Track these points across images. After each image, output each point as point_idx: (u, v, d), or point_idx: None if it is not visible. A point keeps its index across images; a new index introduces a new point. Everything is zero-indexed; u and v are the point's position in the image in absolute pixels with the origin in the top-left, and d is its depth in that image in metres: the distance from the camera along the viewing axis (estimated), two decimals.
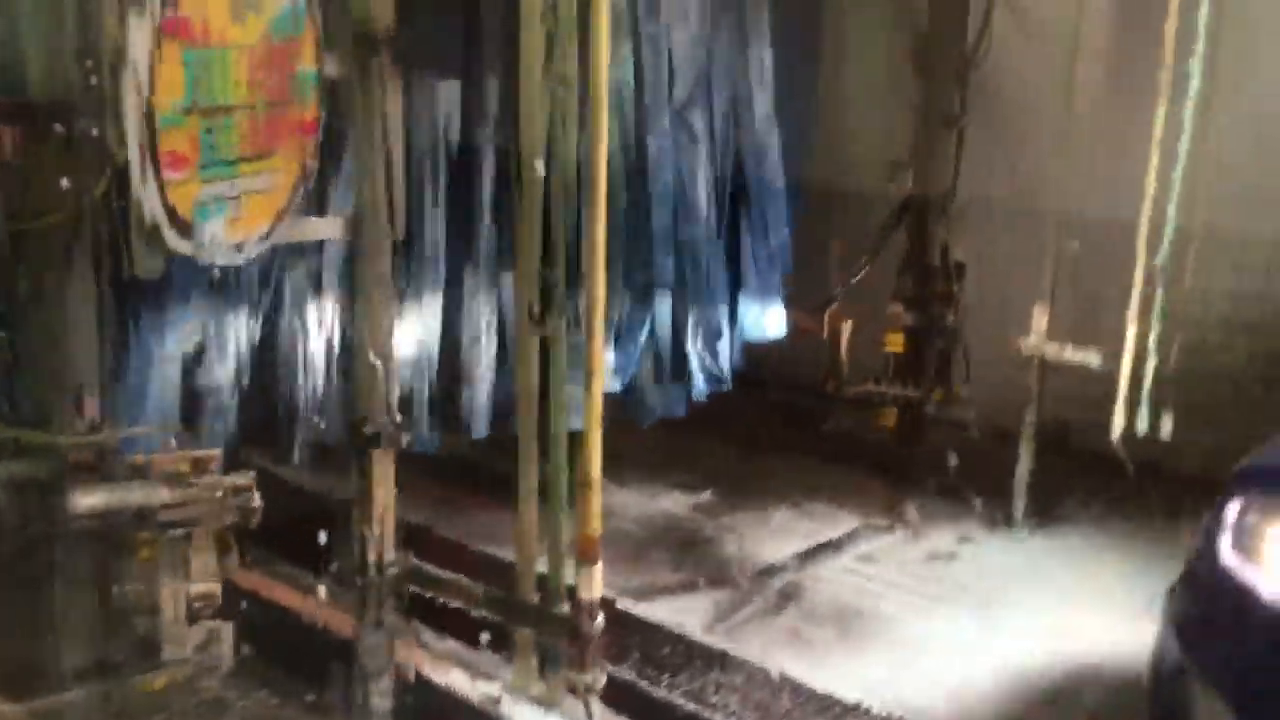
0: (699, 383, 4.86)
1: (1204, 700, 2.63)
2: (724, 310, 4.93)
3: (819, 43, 5.67)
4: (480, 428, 4.44)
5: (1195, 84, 4.22)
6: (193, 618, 3.43)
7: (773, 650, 3.90)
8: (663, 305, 4.77)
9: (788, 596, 4.31)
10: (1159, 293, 4.36)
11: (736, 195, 4.93)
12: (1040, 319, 4.60)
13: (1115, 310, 4.43)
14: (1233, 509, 2.69)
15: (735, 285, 4.98)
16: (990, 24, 4.94)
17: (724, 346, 4.93)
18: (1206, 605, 2.74)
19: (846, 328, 5.10)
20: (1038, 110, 4.78)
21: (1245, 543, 2.62)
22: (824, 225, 5.76)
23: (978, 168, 5.08)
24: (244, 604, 3.63)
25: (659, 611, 4.10)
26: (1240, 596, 2.58)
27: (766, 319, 5.08)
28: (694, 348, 4.85)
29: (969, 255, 5.08)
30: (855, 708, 3.53)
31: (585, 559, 3.03)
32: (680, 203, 4.72)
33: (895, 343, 5.14)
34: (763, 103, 4.90)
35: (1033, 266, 4.63)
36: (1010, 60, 5.04)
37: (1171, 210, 4.35)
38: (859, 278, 5.16)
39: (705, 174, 4.75)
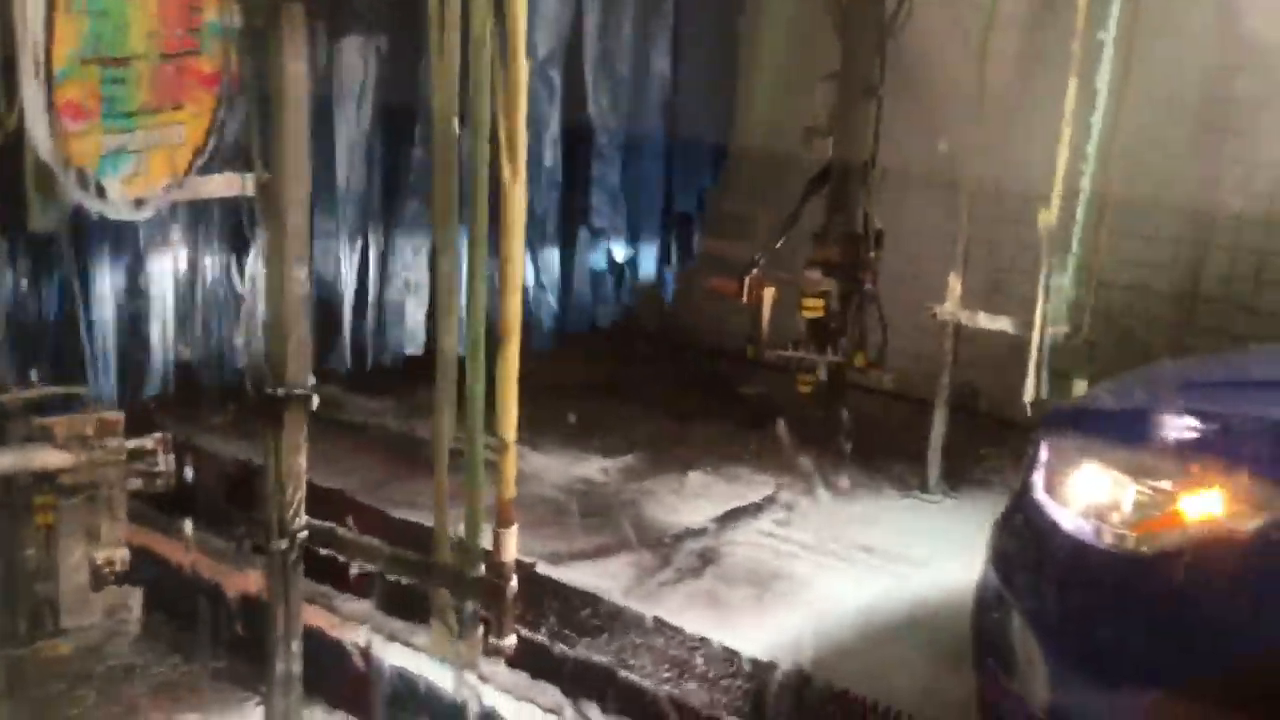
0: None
1: (1018, 628, 2.77)
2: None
3: (739, 7, 5.67)
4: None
5: (1109, 53, 4.28)
6: (99, 583, 3.35)
7: (690, 612, 3.92)
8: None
9: (706, 559, 4.34)
10: (1070, 261, 4.44)
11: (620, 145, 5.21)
12: (955, 286, 4.65)
13: (1029, 278, 4.50)
14: (1043, 450, 2.83)
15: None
16: None
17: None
18: (1019, 540, 2.89)
19: (768, 294, 5.12)
20: (955, 79, 4.81)
21: (1051, 481, 2.76)
22: (745, 192, 5.79)
23: (897, 136, 5.12)
24: (153, 568, 3.57)
25: (578, 575, 4.10)
26: (1046, 530, 2.73)
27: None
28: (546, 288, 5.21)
29: (887, 223, 5.12)
30: (767, 665, 3.57)
31: (501, 522, 3.02)
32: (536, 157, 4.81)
33: (814, 308, 5.16)
34: (637, 62, 5.18)
35: (949, 235, 4.67)
36: (929, 28, 5.07)
37: (1086, 180, 4.42)
38: (779, 244, 5.18)
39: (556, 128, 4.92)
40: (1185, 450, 2.61)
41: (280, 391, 3.13)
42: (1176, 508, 2.51)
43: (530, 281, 5.03)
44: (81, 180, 2.83)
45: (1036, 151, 4.48)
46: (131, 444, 3.29)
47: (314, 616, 3.38)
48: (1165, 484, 2.53)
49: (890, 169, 5.12)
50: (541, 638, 3.72)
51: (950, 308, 4.69)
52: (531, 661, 3.51)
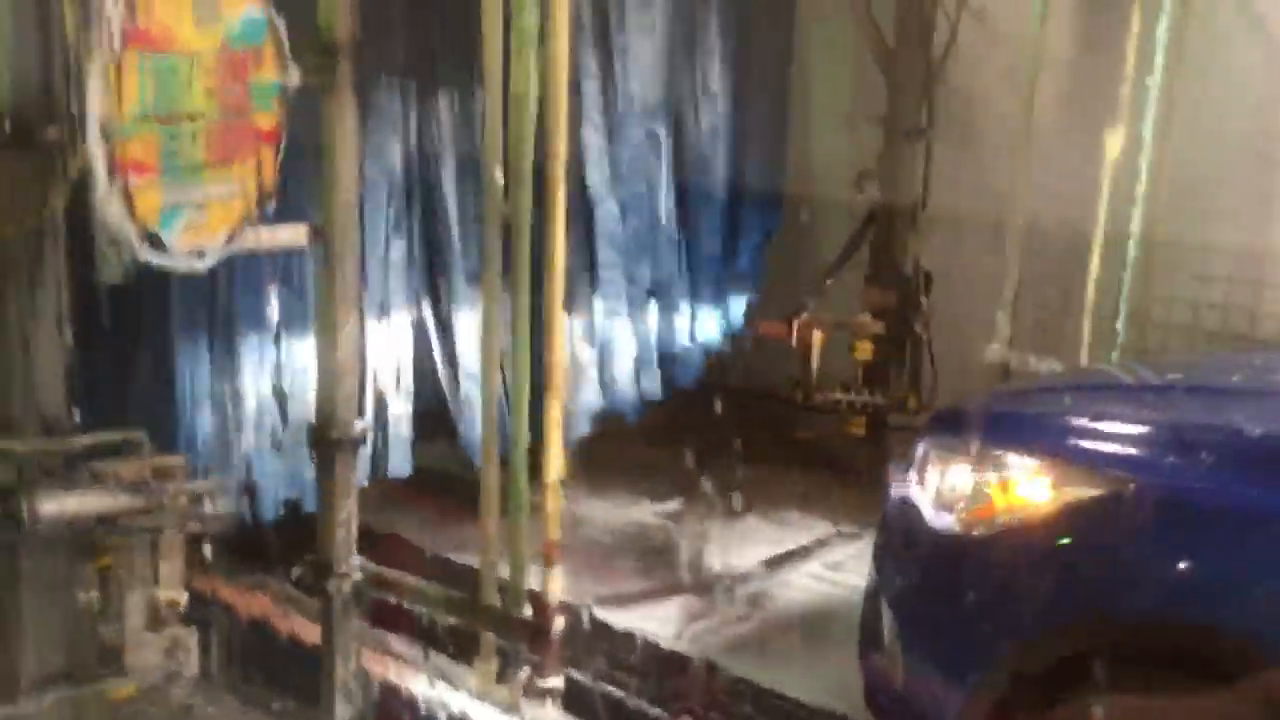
0: (655, 386, 5.09)
1: (882, 612, 2.98)
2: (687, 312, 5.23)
3: (788, 55, 5.74)
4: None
5: (1155, 94, 4.28)
6: (158, 624, 3.44)
7: (740, 655, 3.92)
8: (637, 310, 4.95)
9: (756, 603, 4.34)
10: (1121, 303, 4.42)
11: (687, 203, 5.13)
12: (1003, 328, 4.64)
13: (1078, 320, 4.48)
14: (919, 448, 3.01)
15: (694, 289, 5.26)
16: (956, 36, 5.00)
17: (680, 350, 5.19)
18: (888, 531, 3.09)
19: (816, 336, 5.14)
20: (1002, 122, 4.83)
21: (920, 475, 2.94)
22: (794, 235, 5.82)
23: (944, 178, 5.13)
24: (210, 611, 3.65)
25: (627, 619, 4.12)
26: (908, 520, 2.93)
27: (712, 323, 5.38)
28: (652, 350, 5.05)
29: (935, 265, 5.12)
30: (818, 710, 3.56)
31: (547, 563, 3.06)
32: (650, 210, 4.80)
33: (864, 350, 5.17)
34: (710, 114, 5.10)
35: (997, 277, 4.67)
36: (975, 72, 5.10)
37: (1135, 220, 4.42)
38: (828, 287, 5.20)
39: (667, 181, 4.84)
40: (1013, 444, 2.79)
41: (333, 435, 3.21)
42: (1000, 494, 2.73)
43: (594, 353, 4.94)
44: (144, 233, 2.94)
45: (1084, 192, 4.48)
46: (189, 487, 3.39)
47: (367, 658, 3.43)
48: (993, 474, 2.74)
49: (938, 211, 5.14)
50: (589, 680, 3.74)
51: (999, 349, 4.68)
52: (579, 703, 3.54)
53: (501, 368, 3.29)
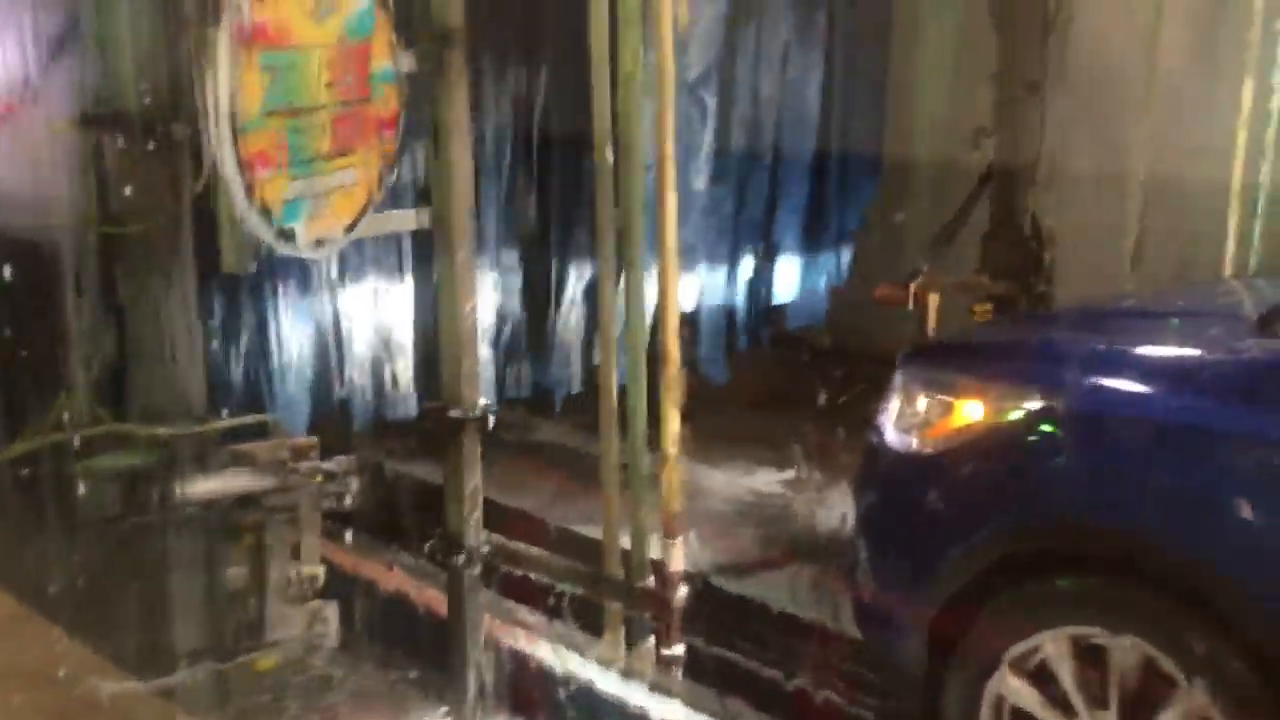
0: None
1: (858, 536, 3.17)
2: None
3: (891, 11, 5.65)
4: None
5: None
6: (299, 598, 3.58)
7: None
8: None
9: None
10: (1251, 255, 4.27)
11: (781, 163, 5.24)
12: (1126, 283, 4.53)
13: (1207, 275, 4.34)
14: (895, 379, 3.12)
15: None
16: None
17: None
18: (866, 462, 3.21)
19: (933, 299, 5.07)
20: (1122, 71, 4.68)
21: (888, 404, 3.07)
22: (904, 196, 5.74)
23: (1063, 132, 5.00)
24: (345, 584, 3.78)
25: (749, 587, 4.15)
26: (878, 447, 3.07)
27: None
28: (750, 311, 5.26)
29: (1055, 221, 5.01)
30: None
31: (669, 534, 3.10)
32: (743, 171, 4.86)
33: (985, 312, 5.08)
34: (805, 74, 5.19)
35: (1120, 232, 4.55)
36: (1093, 21, 4.95)
37: (1265, 171, 4.26)
38: (945, 248, 5.12)
39: (764, 142, 4.98)
40: (963, 370, 3.00)
41: (456, 414, 3.30)
42: (947, 415, 2.91)
43: (695, 305, 5.09)
44: (269, 224, 3.05)
45: (1211, 142, 4.32)
46: (325, 465, 3.52)
47: (496, 628, 3.52)
48: (945, 397, 2.92)
49: (1057, 166, 5.01)
50: (712, 648, 3.78)
51: None
52: (701, 671, 3.58)
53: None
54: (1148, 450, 2.60)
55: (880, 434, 3.07)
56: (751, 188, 5.21)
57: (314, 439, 3.59)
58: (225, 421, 3.41)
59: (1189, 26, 4.84)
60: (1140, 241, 4.50)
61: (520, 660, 3.53)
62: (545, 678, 3.45)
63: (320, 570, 3.58)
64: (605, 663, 3.37)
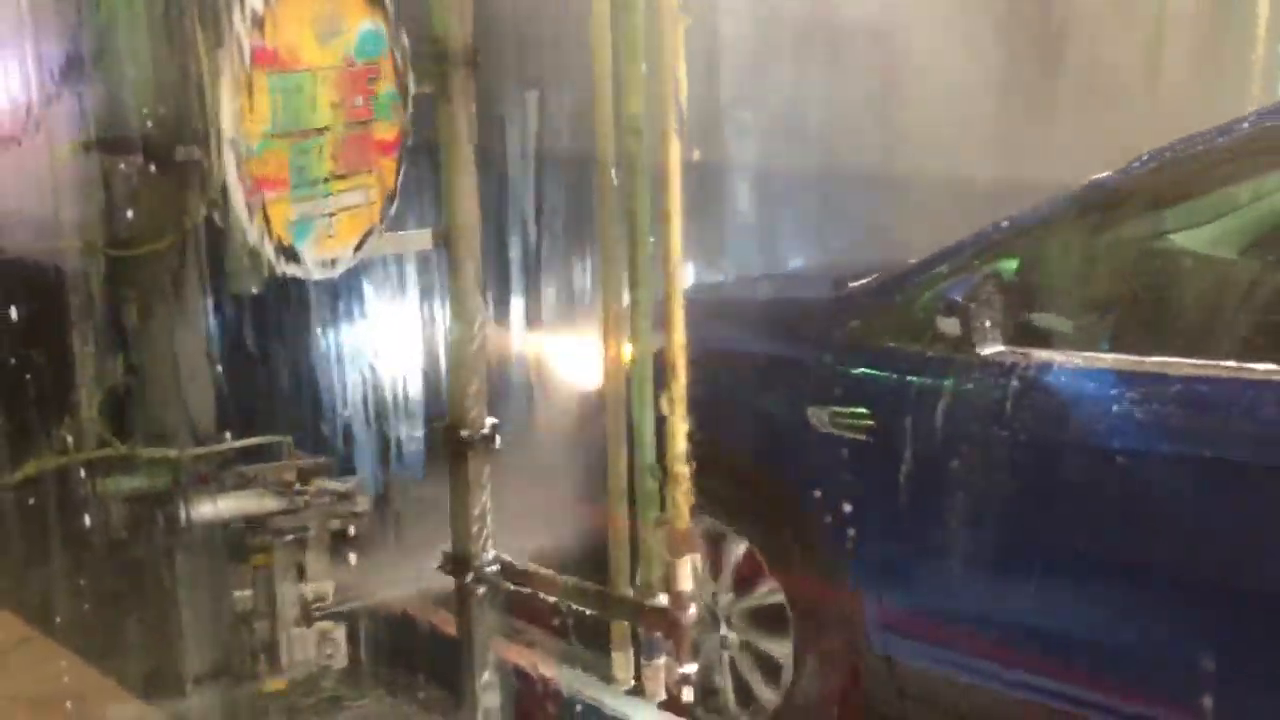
0: None
1: None
2: None
3: None
4: None
5: None
6: (309, 619, 3.58)
7: None
8: None
9: None
10: None
11: None
12: None
13: None
14: None
15: None
16: None
17: None
18: None
19: None
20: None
21: None
22: None
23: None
24: (355, 604, 3.77)
25: None
26: None
27: None
28: None
29: None
30: None
31: (676, 552, 3.09)
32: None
33: None
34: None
35: None
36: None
37: None
38: None
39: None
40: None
41: (464, 433, 3.30)
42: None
43: None
44: (278, 246, 3.06)
45: None
46: (333, 486, 3.52)
47: (504, 648, 3.51)
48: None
49: None
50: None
51: None
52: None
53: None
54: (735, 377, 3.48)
55: None
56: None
57: (325, 459, 3.60)
58: (233, 443, 3.41)
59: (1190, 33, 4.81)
60: None
61: (529, 679, 3.52)
62: (555, 697, 3.44)
63: (330, 590, 3.59)
64: (615, 682, 3.35)
